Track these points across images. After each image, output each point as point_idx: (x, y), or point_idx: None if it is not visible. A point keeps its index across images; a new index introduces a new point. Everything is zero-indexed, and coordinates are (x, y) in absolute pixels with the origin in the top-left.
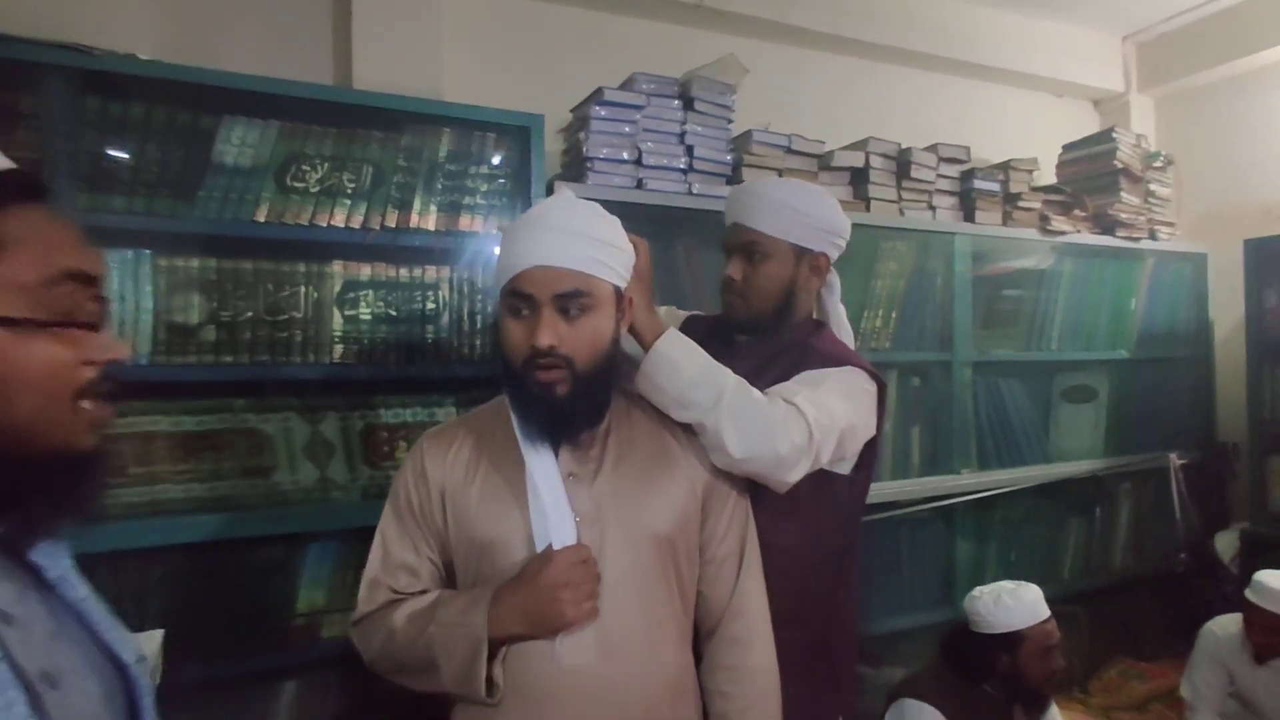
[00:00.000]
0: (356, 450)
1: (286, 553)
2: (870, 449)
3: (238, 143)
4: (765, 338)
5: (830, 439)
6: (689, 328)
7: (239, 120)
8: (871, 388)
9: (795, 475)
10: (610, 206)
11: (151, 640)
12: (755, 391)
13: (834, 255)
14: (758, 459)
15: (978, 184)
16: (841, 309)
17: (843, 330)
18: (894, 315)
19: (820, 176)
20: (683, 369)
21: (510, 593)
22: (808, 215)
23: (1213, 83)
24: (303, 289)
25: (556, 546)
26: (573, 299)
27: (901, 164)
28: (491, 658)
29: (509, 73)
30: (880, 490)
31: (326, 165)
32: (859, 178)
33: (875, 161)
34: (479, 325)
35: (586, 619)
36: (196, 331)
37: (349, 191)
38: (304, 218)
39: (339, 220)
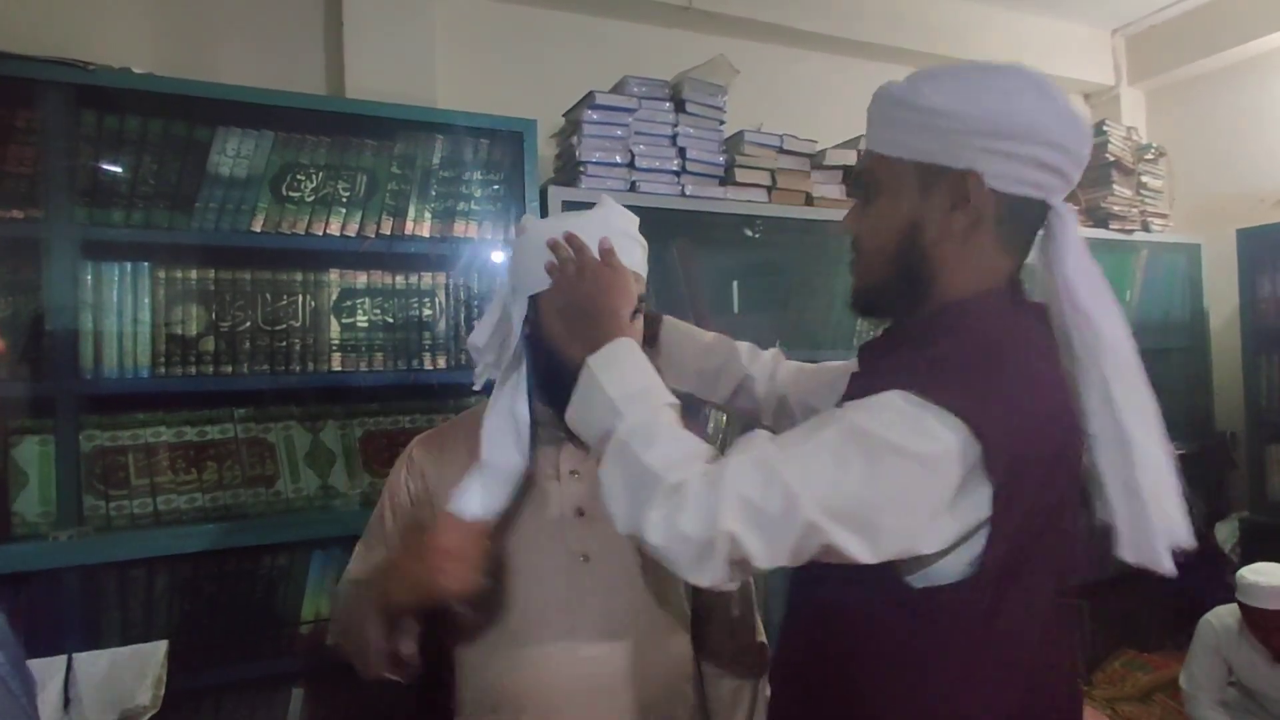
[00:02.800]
0: (357, 457)
1: (290, 561)
2: (1005, 550)
3: (233, 154)
4: (892, 333)
5: (786, 531)
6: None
7: (233, 131)
8: (947, 441)
9: (699, 577)
10: None
11: (156, 651)
12: (660, 439)
13: (1023, 176)
14: (638, 539)
15: None
16: (1089, 281)
17: (1087, 323)
18: None
19: (813, 175)
20: (596, 394)
21: (398, 557)
22: (941, 110)
23: (1202, 74)
24: (300, 298)
25: (466, 516)
26: (639, 302)
27: None
28: (394, 629)
29: (501, 78)
30: None
31: (321, 174)
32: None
33: None
34: None
35: (466, 590)
36: (196, 342)
37: (344, 200)
38: (300, 227)
39: (334, 229)
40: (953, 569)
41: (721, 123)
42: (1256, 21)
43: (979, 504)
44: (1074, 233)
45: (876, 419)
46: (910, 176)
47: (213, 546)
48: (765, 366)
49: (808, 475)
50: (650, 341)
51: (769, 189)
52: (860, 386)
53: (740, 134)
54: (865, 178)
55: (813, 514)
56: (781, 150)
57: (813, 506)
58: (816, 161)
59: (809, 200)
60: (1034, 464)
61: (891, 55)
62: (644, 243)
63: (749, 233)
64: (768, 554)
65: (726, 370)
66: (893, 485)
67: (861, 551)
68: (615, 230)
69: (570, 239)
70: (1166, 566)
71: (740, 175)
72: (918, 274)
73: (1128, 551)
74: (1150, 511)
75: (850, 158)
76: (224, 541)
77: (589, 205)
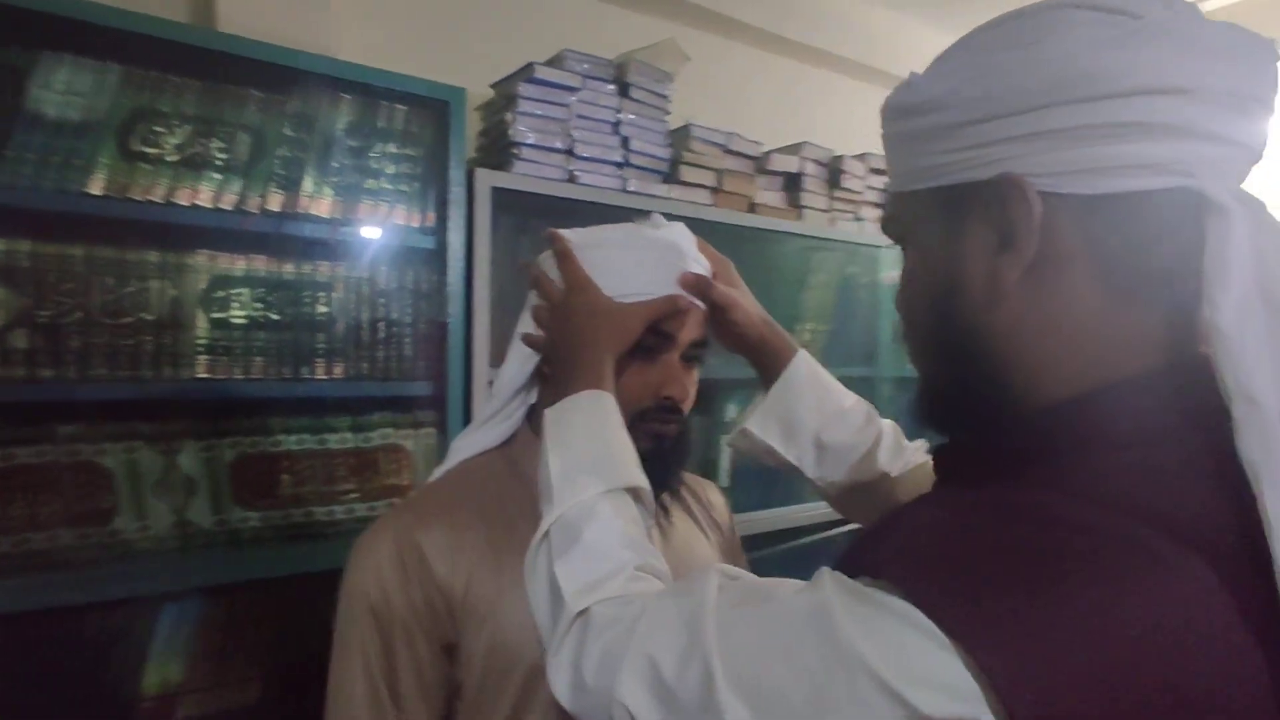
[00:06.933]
0: (225, 486)
1: (130, 619)
2: None
3: (61, 89)
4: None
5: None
6: None
7: (63, 59)
8: (955, 693)
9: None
10: (540, 201)
11: None
12: (582, 543)
13: (1113, 158)
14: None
15: None
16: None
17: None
18: (823, 329)
19: (757, 180)
20: (540, 465)
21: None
22: (944, 99)
23: None
24: (155, 284)
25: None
26: (702, 347)
27: (833, 172)
28: None
29: (408, 33)
30: (809, 512)
31: (188, 128)
32: (792, 184)
33: (809, 168)
34: (381, 334)
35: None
36: (2, 337)
37: (218, 163)
38: (157, 193)
39: (205, 199)
40: None
41: (667, 113)
42: None
43: None
44: (1242, 247)
45: (861, 622)
46: (931, 215)
47: (18, 608)
48: (905, 465)
49: (741, 652)
50: (770, 379)
51: (714, 190)
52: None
53: (687, 128)
54: (893, 232)
55: (726, 703)
56: (728, 150)
57: (729, 693)
58: (760, 165)
59: (751, 207)
60: None
61: (835, 64)
62: (705, 263)
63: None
64: None
65: (855, 458)
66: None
67: None
68: (694, 262)
69: (562, 254)
70: None
71: (685, 173)
72: (975, 365)
73: None
74: None
75: (793, 164)
76: (35, 600)
77: (525, 193)
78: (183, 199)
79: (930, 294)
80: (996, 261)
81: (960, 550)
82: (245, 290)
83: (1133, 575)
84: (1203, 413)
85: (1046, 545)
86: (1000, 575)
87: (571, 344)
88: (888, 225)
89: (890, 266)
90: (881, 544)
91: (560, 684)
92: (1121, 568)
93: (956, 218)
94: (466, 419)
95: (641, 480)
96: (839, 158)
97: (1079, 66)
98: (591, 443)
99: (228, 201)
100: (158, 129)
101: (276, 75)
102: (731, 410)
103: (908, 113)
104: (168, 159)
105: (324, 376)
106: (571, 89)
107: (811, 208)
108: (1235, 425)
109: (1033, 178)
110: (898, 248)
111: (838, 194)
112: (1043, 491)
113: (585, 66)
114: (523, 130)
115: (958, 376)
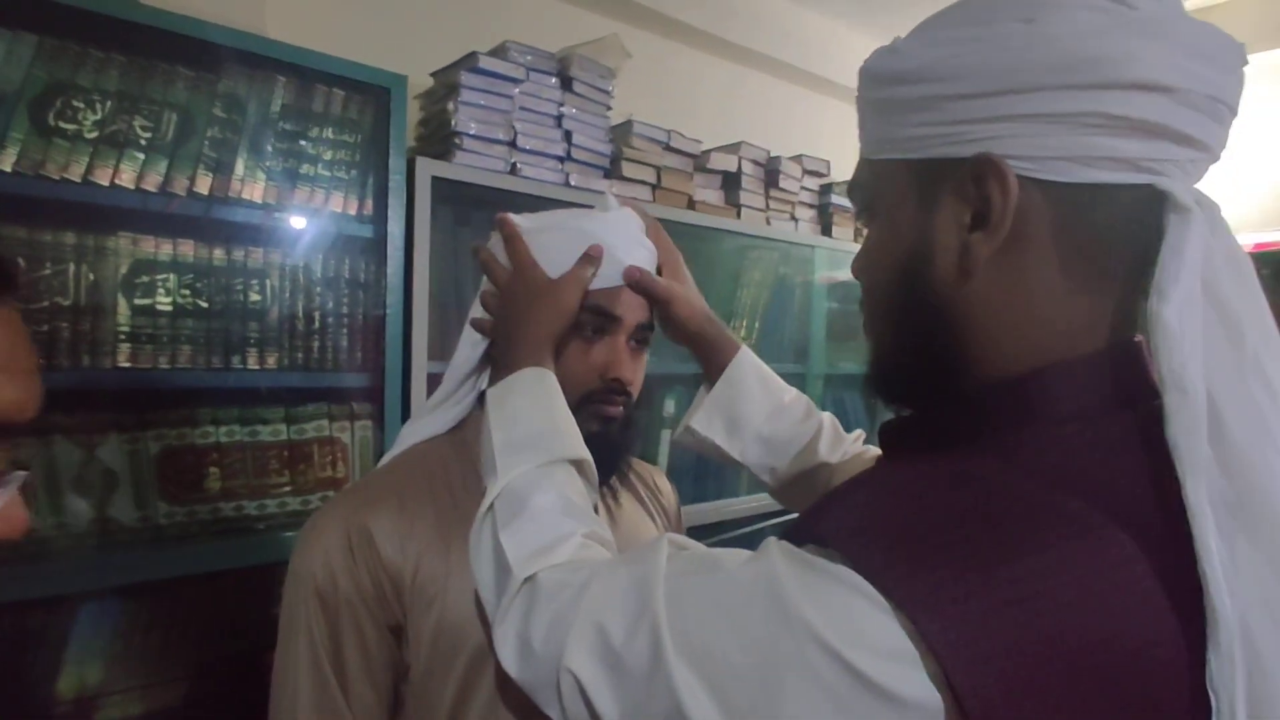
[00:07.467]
0: (150, 480)
1: (46, 620)
2: None
3: None
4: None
5: (641, 687)
6: None
7: None
8: (899, 660)
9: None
10: (481, 193)
11: None
12: (528, 511)
13: (1092, 148)
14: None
15: (835, 199)
16: (1207, 343)
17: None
18: (757, 326)
19: (696, 178)
20: (484, 440)
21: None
22: (929, 70)
23: None
24: (72, 268)
25: None
26: (648, 331)
27: (770, 172)
28: None
29: (347, 17)
30: (740, 506)
31: (110, 104)
32: (731, 183)
33: (746, 167)
34: (316, 324)
35: None
36: None
37: (143, 142)
38: (75, 171)
39: (127, 179)
40: None
41: (609, 109)
42: None
43: None
44: (1196, 246)
45: (807, 589)
46: (904, 186)
47: None
48: (844, 455)
49: (690, 619)
50: (713, 375)
51: (654, 187)
52: (850, 502)
53: (629, 123)
54: (859, 199)
55: (675, 670)
56: (668, 148)
57: (678, 660)
58: (700, 163)
59: (691, 204)
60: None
61: (769, 66)
62: (650, 248)
63: None
64: (619, 712)
65: (796, 449)
66: (798, 685)
67: None
68: (642, 245)
69: (509, 237)
70: None
71: (626, 170)
72: (933, 338)
73: None
74: None
75: (732, 163)
76: None
77: (466, 184)
78: (102, 178)
79: (895, 264)
80: (967, 239)
81: (904, 519)
82: (171, 276)
83: (1065, 544)
84: (1135, 394)
85: (985, 515)
86: (941, 543)
87: (513, 323)
88: (854, 191)
89: (823, 268)
90: (828, 514)
91: (507, 653)
92: (1055, 537)
93: (930, 192)
94: (405, 412)
95: (585, 453)
96: (776, 158)
97: (1077, 52)
98: (534, 418)
99: (151, 182)
100: (76, 104)
101: (207, 53)
102: (670, 405)
103: (890, 80)
104: (87, 135)
105: (256, 366)
106: (515, 80)
107: (749, 207)
108: (1165, 411)
109: (1012, 160)
110: (831, 250)
111: (774, 194)
112: (983, 462)
113: (528, 58)
114: (465, 120)
115: (914, 347)
